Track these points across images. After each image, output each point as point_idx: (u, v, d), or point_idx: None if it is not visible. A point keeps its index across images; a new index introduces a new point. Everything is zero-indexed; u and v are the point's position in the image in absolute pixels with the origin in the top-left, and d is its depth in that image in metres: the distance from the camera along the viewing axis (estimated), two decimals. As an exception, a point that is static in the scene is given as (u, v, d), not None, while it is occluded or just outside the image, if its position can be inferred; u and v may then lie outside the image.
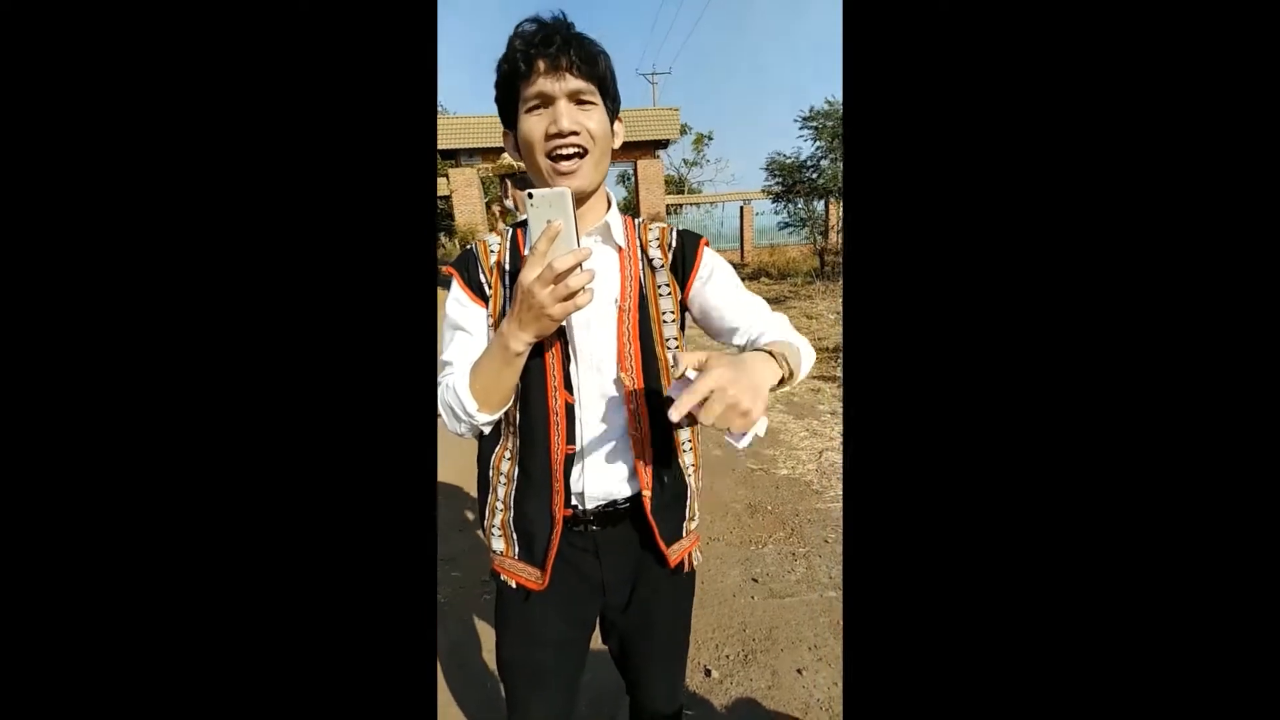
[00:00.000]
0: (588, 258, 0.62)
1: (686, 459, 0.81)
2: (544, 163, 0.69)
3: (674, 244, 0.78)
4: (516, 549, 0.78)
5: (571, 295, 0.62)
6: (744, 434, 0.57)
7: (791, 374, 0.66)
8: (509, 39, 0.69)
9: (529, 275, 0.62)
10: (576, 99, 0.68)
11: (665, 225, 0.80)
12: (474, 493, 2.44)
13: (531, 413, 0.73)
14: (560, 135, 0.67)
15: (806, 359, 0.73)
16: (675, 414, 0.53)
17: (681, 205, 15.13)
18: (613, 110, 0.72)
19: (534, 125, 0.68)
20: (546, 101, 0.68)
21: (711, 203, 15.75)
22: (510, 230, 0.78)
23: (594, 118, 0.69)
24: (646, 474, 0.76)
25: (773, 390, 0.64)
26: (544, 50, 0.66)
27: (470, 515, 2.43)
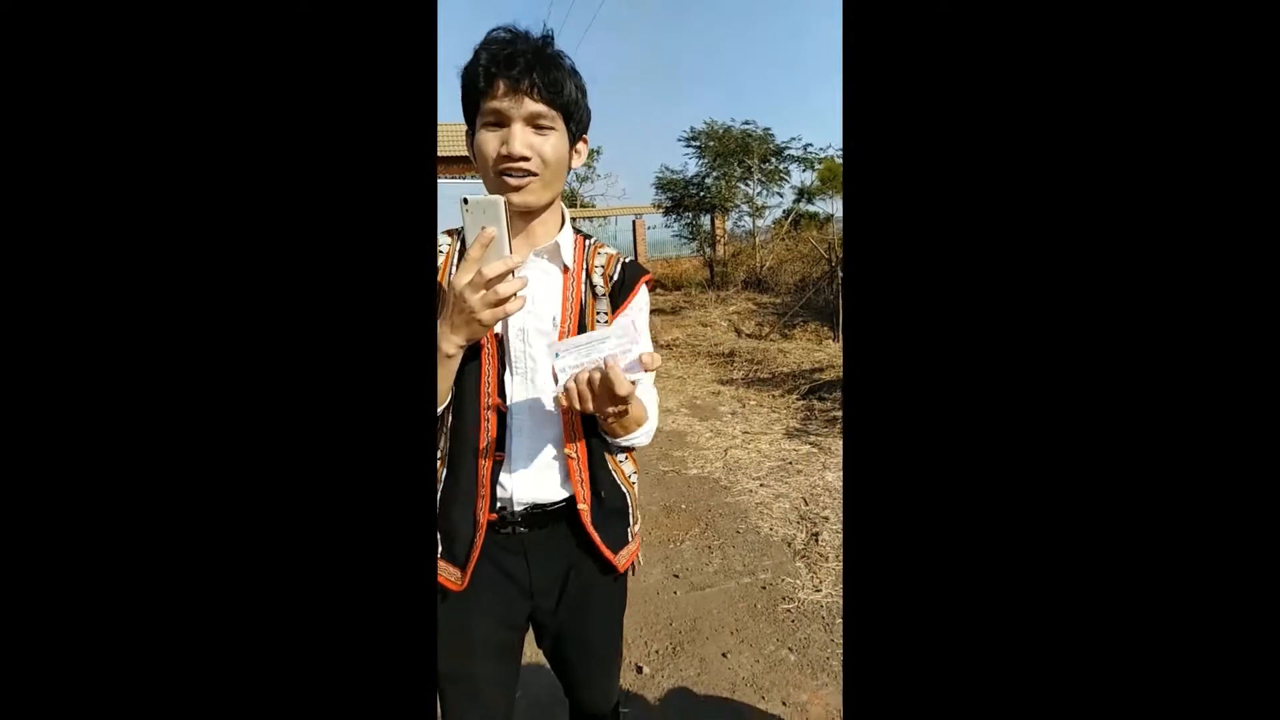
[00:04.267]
0: (519, 265, 0.64)
1: (627, 468, 0.83)
2: (493, 178, 0.70)
3: (615, 276, 0.79)
4: (440, 548, 0.76)
5: (501, 302, 0.63)
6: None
7: (631, 437, 0.76)
8: (478, 46, 0.68)
9: (460, 280, 0.63)
10: (534, 123, 0.68)
11: (613, 254, 0.81)
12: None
13: (464, 418, 0.73)
14: (510, 159, 0.67)
15: (646, 427, 0.79)
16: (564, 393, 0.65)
17: (575, 220, 15.18)
18: (575, 132, 0.73)
19: (487, 140, 0.69)
20: (502, 121, 0.68)
21: (604, 217, 15.97)
22: (461, 232, 0.77)
23: (550, 141, 0.69)
24: (584, 489, 0.77)
25: (610, 432, 0.75)
26: (506, 71, 0.66)
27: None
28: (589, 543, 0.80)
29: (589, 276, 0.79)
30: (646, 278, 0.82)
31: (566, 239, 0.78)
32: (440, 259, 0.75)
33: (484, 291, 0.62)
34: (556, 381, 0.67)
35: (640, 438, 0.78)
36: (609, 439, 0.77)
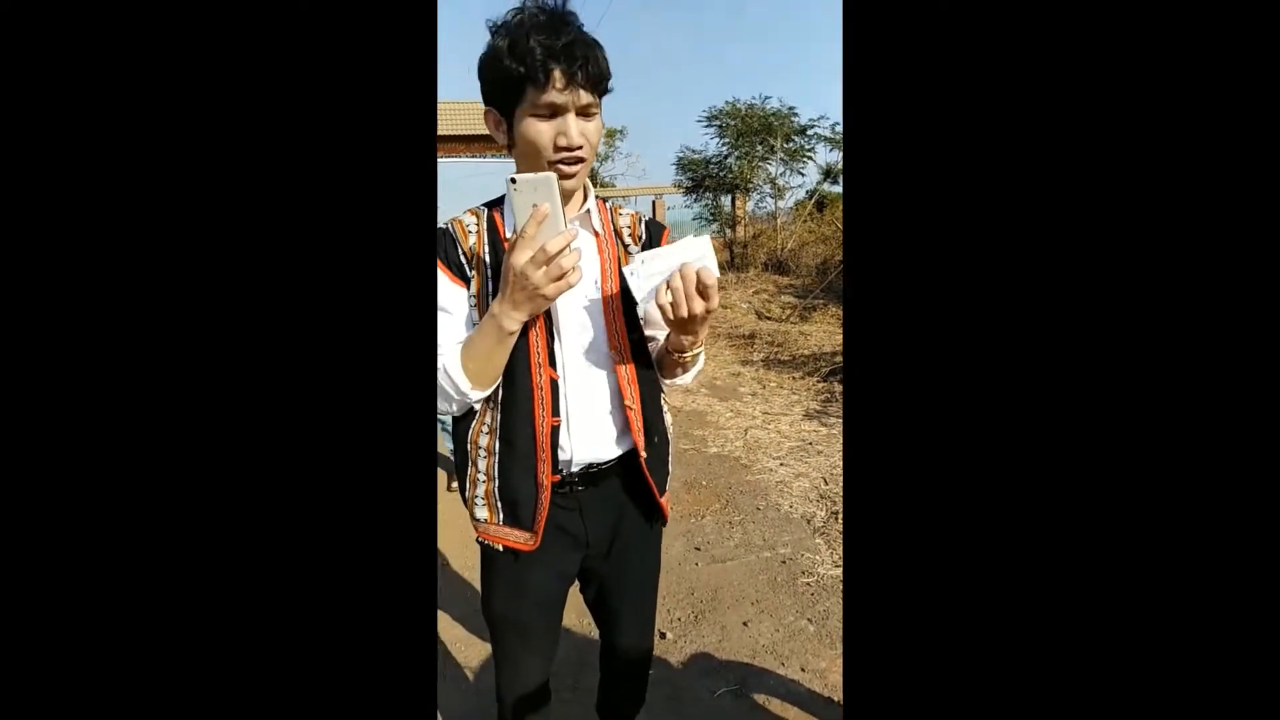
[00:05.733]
0: (575, 238, 0.67)
1: (668, 419, 0.90)
2: (545, 166, 0.71)
3: (643, 235, 0.85)
4: (501, 516, 0.81)
5: (564, 275, 0.67)
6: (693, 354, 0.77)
7: (695, 359, 0.83)
8: (515, 25, 0.68)
9: (520, 258, 0.66)
10: (583, 111, 0.71)
11: (633, 213, 0.87)
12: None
13: (516, 389, 0.77)
14: (569, 149, 0.71)
15: (700, 363, 0.89)
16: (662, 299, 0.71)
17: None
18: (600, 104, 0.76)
19: (541, 131, 0.70)
20: (556, 112, 0.70)
21: (624, 196, 15.88)
22: (485, 210, 0.80)
23: (594, 125, 0.73)
24: (642, 438, 0.83)
25: (676, 359, 0.82)
26: (565, 64, 0.67)
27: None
28: (639, 489, 0.86)
29: (619, 236, 0.84)
30: (666, 231, 0.89)
31: (593, 204, 0.82)
32: (472, 239, 0.78)
33: (546, 267, 0.66)
34: (636, 289, 0.72)
35: (699, 364, 0.85)
36: (677, 362, 0.82)
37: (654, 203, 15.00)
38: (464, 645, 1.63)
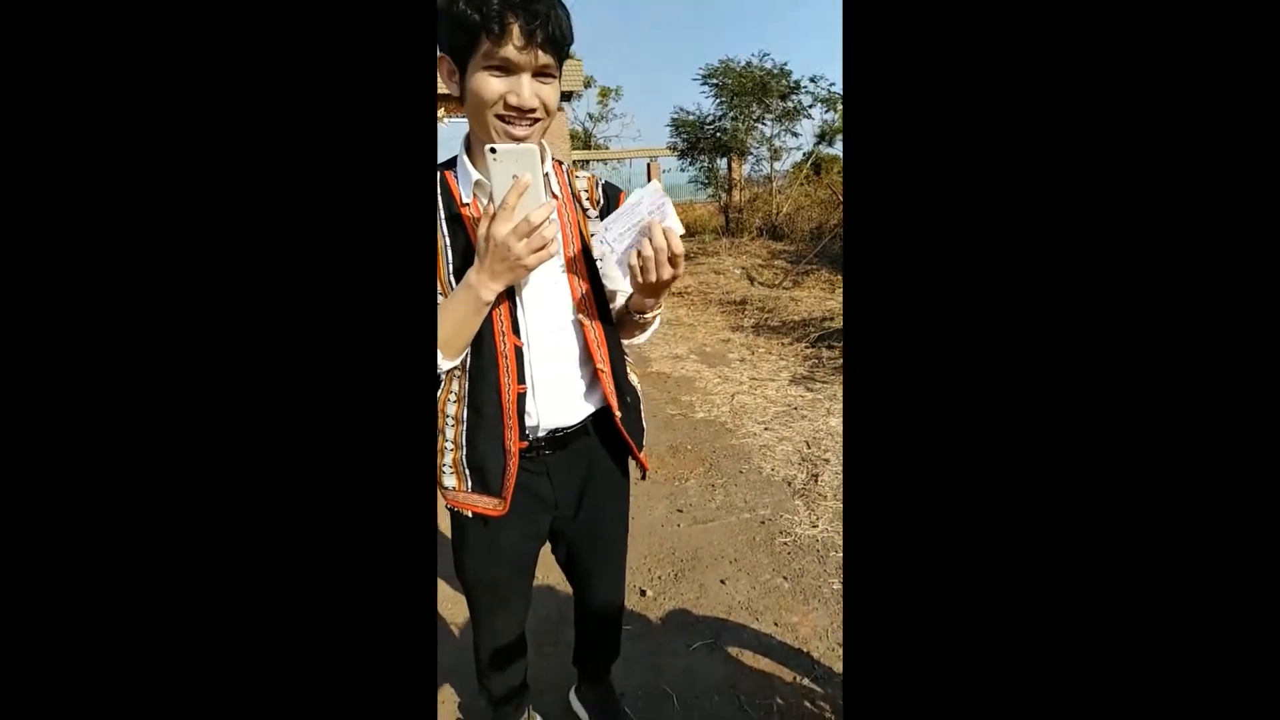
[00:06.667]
0: (554, 210, 0.68)
1: (633, 377, 0.92)
2: (493, 120, 0.69)
3: (601, 200, 0.84)
4: (470, 483, 0.83)
5: (545, 245, 0.68)
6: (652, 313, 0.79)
7: (654, 319, 0.86)
8: None
9: (502, 229, 0.66)
10: (540, 73, 0.68)
11: (591, 176, 0.86)
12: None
13: (482, 357, 0.78)
14: (521, 110, 0.68)
15: (656, 323, 0.91)
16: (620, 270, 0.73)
17: (589, 161, 14.80)
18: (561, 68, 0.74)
19: (491, 86, 0.68)
20: (511, 69, 0.67)
21: (619, 159, 15.53)
22: (438, 172, 0.78)
23: (550, 88, 0.70)
24: (614, 398, 0.85)
25: (637, 320, 0.84)
26: (525, 21, 0.64)
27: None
28: (605, 450, 0.90)
29: (576, 200, 0.83)
30: (622, 195, 0.89)
31: (550, 168, 0.81)
32: None
33: (528, 238, 0.66)
34: (604, 258, 0.73)
35: (656, 324, 0.87)
36: (637, 324, 0.85)
37: (649, 165, 14.68)
38: (450, 603, 1.68)
